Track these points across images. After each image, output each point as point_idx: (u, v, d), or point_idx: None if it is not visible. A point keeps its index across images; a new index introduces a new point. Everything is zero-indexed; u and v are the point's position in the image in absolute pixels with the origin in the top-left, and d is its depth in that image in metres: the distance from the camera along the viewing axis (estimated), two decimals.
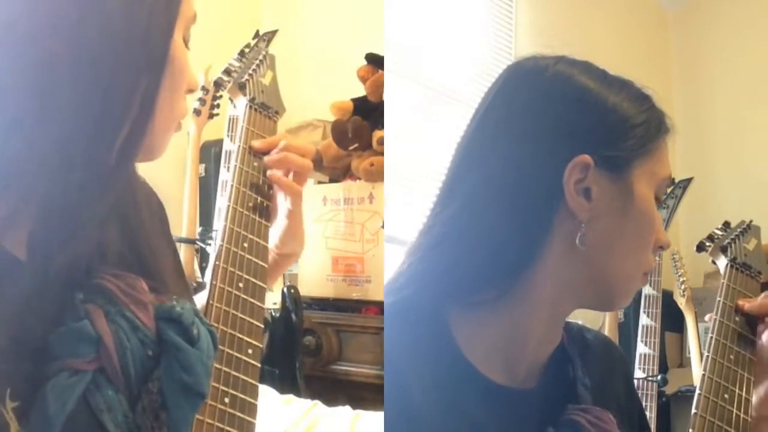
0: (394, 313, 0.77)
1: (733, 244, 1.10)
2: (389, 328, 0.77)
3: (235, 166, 0.93)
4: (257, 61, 1.06)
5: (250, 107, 0.99)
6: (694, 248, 1.16)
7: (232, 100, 1.04)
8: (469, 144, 0.81)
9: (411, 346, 0.75)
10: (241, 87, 1.01)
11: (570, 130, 0.78)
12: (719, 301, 1.00)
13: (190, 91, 0.78)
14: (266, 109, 1.01)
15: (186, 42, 0.76)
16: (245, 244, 0.87)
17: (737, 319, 0.98)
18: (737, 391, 0.92)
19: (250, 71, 1.03)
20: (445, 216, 0.79)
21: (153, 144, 0.74)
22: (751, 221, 1.17)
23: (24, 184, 0.66)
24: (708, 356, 0.94)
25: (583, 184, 0.76)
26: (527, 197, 0.76)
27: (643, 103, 0.81)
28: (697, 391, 0.91)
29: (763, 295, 1.00)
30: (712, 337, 0.96)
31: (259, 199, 0.92)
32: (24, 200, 0.66)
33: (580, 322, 0.89)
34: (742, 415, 0.90)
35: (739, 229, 1.14)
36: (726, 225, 1.16)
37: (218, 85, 1.04)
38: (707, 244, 1.13)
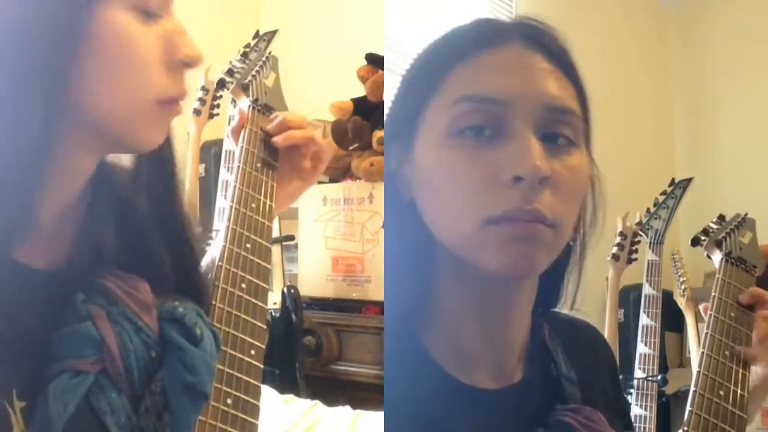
0: (386, 312, 0.77)
1: (728, 238, 1.08)
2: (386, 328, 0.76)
3: (238, 166, 0.92)
4: (260, 63, 1.05)
5: (253, 108, 0.99)
6: (689, 242, 1.14)
7: (235, 102, 1.04)
8: None
9: (392, 348, 0.73)
10: (245, 88, 1.01)
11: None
12: (714, 296, 0.98)
13: (186, 65, 0.70)
14: (269, 110, 1.01)
15: (147, 13, 0.68)
16: (248, 245, 0.87)
17: (732, 314, 0.97)
18: (732, 387, 0.91)
19: (254, 72, 1.03)
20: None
21: (119, 130, 0.68)
22: (746, 214, 1.14)
23: None
24: (703, 352, 0.93)
25: (398, 169, 0.75)
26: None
27: (449, 40, 0.74)
28: (692, 388, 0.90)
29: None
30: (707, 333, 0.95)
31: (261, 199, 0.92)
32: None
33: (564, 311, 0.83)
34: (737, 412, 0.89)
35: (734, 223, 1.12)
36: (721, 218, 1.14)
37: (222, 85, 1.03)
38: (702, 238, 1.11)
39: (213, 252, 0.87)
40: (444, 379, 0.72)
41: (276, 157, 0.96)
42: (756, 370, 0.95)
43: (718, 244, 1.07)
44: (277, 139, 0.95)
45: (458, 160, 0.67)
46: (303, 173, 0.98)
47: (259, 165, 0.94)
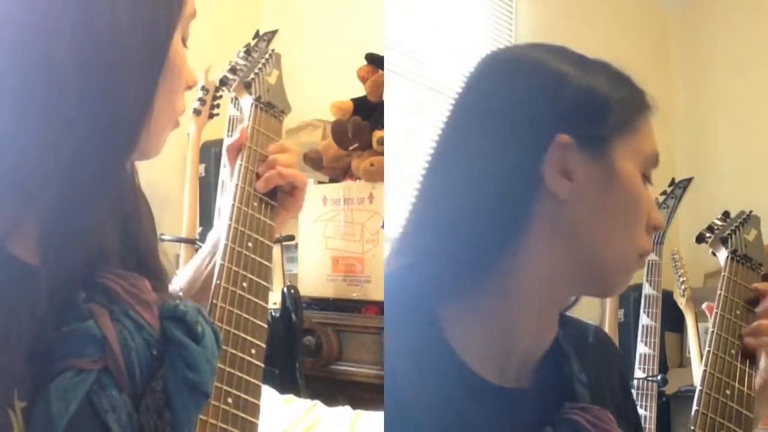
0: (390, 309, 0.77)
1: (733, 236, 1.06)
2: (388, 326, 0.76)
3: (240, 165, 0.92)
4: (263, 60, 1.05)
5: (256, 106, 0.99)
6: (694, 239, 1.13)
7: (237, 99, 1.04)
8: (445, 137, 0.80)
9: (404, 345, 0.73)
10: (247, 86, 1.01)
11: (547, 114, 0.76)
12: (720, 294, 0.97)
13: (189, 87, 0.77)
14: (272, 108, 1.01)
15: (184, 40, 0.75)
16: (249, 244, 0.87)
17: (738, 312, 0.96)
18: (738, 386, 0.90)
19: (256, 70, 1.03)
20: (422, 209, 0.79)
21: (151, 142, 0.74)
22: (750, 211, 1.13)
23: (27, 190, 0.65)
24: (709, 351, 0.92)
25: (564, 164, 0.75)
26: (503, 185, 0.75)
27: (621, 82, 0.80)
28: (698, 387, 0.89)
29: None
30: (713, 332, 0.94)
31: (263, 198, 0.92)
32: (28, 205, 0.65)
33: (575, 316, 0.86)
34: (744, 412, 0.89)
35: (739, 220, 1.11)
36: (726, 215, 1.13)
37: (224, 83, 1.03)
38: (707, 235, 1.10)
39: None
40: (470, 377, 0.73)
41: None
42: (760, 368, 0.95)
43: (724, 242, 1.06)
44: (259, 184, 0.94)
45: (643, 192, 0.79)
46: (286, 203, 0.98)
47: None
